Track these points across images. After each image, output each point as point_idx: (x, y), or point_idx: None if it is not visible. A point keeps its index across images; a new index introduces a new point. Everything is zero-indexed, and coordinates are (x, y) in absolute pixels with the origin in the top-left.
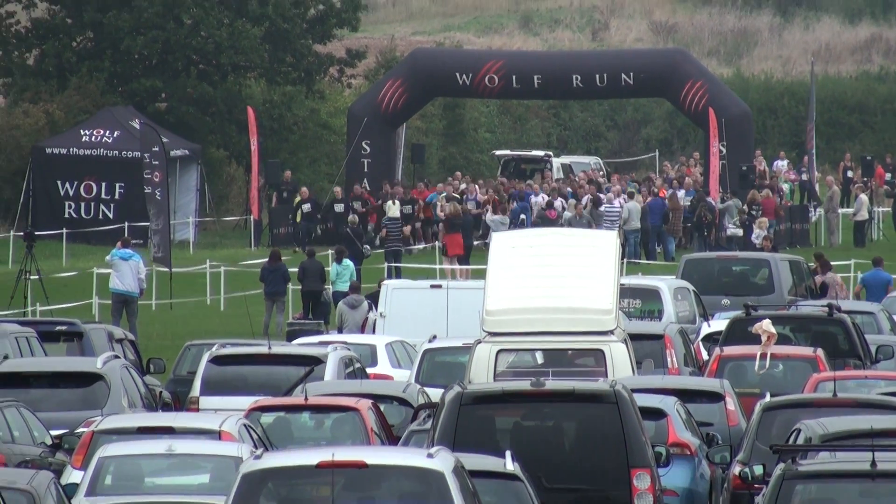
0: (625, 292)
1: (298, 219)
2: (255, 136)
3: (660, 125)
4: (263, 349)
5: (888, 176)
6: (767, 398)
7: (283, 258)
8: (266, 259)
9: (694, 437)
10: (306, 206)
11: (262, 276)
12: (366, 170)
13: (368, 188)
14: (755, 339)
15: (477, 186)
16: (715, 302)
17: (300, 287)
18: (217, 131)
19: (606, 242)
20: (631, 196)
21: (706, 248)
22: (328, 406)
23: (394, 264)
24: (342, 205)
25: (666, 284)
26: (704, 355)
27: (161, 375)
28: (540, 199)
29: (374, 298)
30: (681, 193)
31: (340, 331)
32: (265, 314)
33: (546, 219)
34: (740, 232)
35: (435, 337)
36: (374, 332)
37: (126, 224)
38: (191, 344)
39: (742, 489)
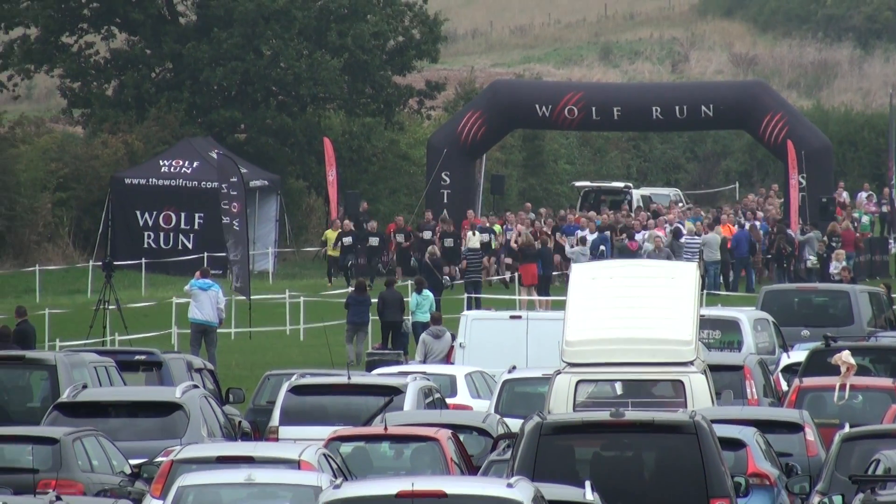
0: (704, 323)
1: (338, 252)
2: (333, 167)
3: (739, 157)
4: (343, 379)
5: None
6: (847, 429)
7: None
8: (352, 288)
9: (773, 467)
10: (347, 239)
11: (347, 303)
12: (445, 201)
13: (447, 218)
14: (834, 371)
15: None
16: (794, 333)
17: (379, 318)
18: (296, 162)
19: (686, 274)
20: (711, 227)
21: (785, 279)
22: (408, 436)
23: (473, 295)
24: (429, 231)
25: (745, 316)
26: (784, 386)
27: (240, 405)
28: (586, 233)
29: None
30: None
31: (424, 362)
32: (348, 343)
33: (627, 250)
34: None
35: (515, 367)
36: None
37: (205, 254)
38: (270, 374)
39: None
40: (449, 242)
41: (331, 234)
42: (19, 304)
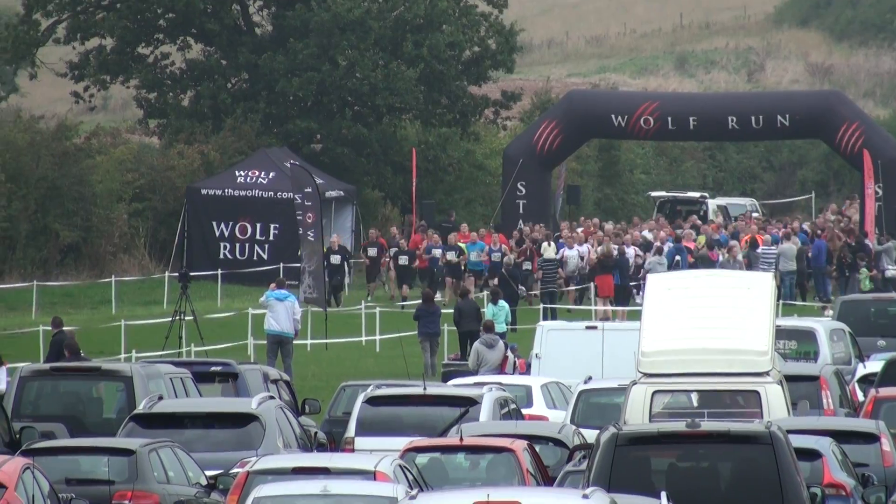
0: (780, 334)
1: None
2: (416, 178)
3: (816, 167)
4: (419, 390)
5: None
6: None
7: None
8: (419, 301)
9: (849, 477)
10: (335, 258)
11: (416, 315)
12: (521, 211)
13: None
14: None
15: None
16: (871, 343)
17: (456, 328)
18: (372, 172)
19: (762, 284)
20: (788, 237)
21: (846, 290)
22: (483, 447)
23: (549, 305)
24: (374, 249)
25: (822, 326)
26: (860, 396)
27: (316, 416)
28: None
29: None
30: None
31: (477, 371)
32: (423, 354)
33: (707, 260)
34: None
35: (590, 378)
36: (513, 371)
37: (281, 265)
38: (346, 385)
39: None
40: (403, 260)
41: None
42: (56, 315)
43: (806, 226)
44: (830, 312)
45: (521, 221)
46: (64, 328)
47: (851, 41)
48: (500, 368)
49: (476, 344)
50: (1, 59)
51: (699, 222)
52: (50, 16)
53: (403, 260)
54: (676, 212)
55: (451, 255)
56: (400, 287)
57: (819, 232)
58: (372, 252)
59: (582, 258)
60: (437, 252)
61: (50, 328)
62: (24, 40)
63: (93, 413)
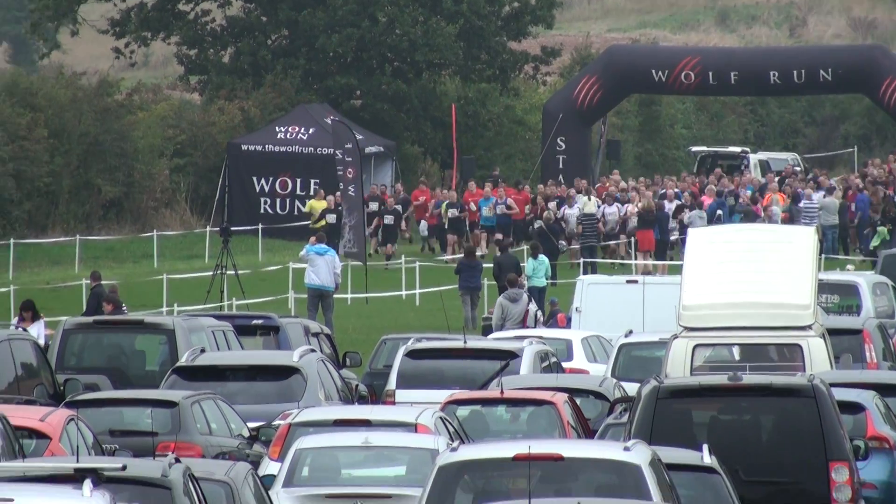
0: (823, 288)
1: (319, 226)
2: (456, 134)
3: (858, 121)
4: (459, 343)
5: None
6: None
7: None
8: (461, 255)
9: (893, 430)
10: (331, 217)
11: (457, 269)
12: (561, 166)
13: (563, 183)
14: None
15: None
16: None
17: (496, 282)
18: (412, 128)
19: (804, 238)
20: (830, 192)
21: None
22: (524, 400)
23: (589, 260)
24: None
25: (864, 280)
26: None
27: (357, 369)
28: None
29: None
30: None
31: (503, 326)
32: (463, 308)
33: (752, 214)
34: None
35: (631, 332)
36: (535, 325)
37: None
38: (386, 338)
39: None
40: (389, 220)
41: (315, 205)
42: (95, 269)
43: (834, 181)
44: (851, 267)
45: (560, 176)
46: (103, 282)
47: None
48: (522, 322)
49: (500, 298)
50: (43, 16)
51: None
52: None
53: (389, 220)
54: (717, 167)
55: (453, 212)
56: (384, 245)
57: (860, 186)
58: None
59: (621, 215)
60: (452, 210)
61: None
62: None
63: (135, 365)
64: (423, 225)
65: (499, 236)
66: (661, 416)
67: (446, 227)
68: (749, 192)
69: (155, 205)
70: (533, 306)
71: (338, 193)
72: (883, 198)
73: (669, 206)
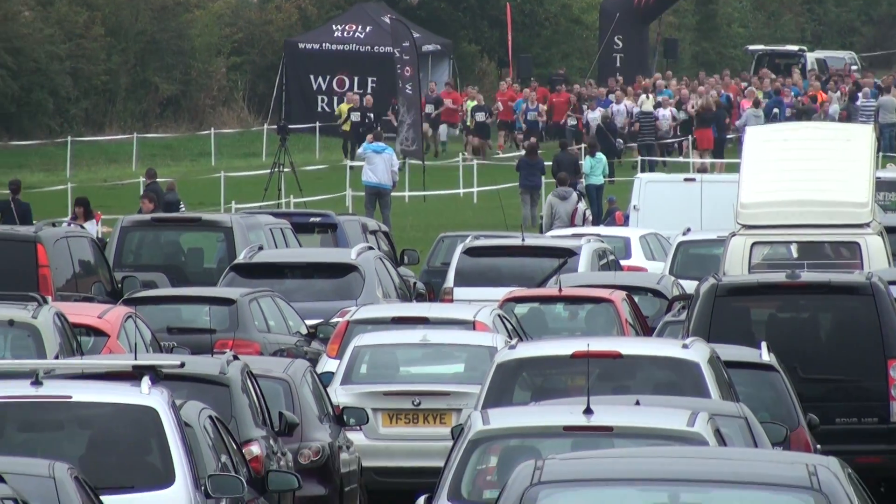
0: (880, 185)
1: (347, 127)
2: (512, 32)
3: None
4: (517, 241)
5: None
6: None
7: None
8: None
9: None
10: (355, 115)
11: (518, 166)
12: (618, 65)
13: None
14: None
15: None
16: None
17: (554, 179)
18: (469, 26)
19: (862, 136)
20: (888, 90)
21: None
22: (582, 297)
23: (647, 158)
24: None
25: None
26: None
27: (415, 267)
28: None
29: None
30: None
31: (551, 225)
32: (522, 206)
33: (811, 111)
34: None
35: (689, 229)
36: (583, 223)
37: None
38: (444, 236)
39: None
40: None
41: (342, 108)
42: (150, 167)
43: (880, 81)
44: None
45: (617, 74)
46: (159, 179)
47: None
48: (571, 220)
49: (549, 196)
50: None
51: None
52: None
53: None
54: (774, 65)
55: (480, 116)
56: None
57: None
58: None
59: (674, 118)
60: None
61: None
62: None
63: (193, 263)
64: (443, 129)
65: (532, 140)
66: (720, 313)
67: (472, 129)
68: (794, 94)
69: (212, 103)
70: (582, 205)
71: (367, 97)
72: None
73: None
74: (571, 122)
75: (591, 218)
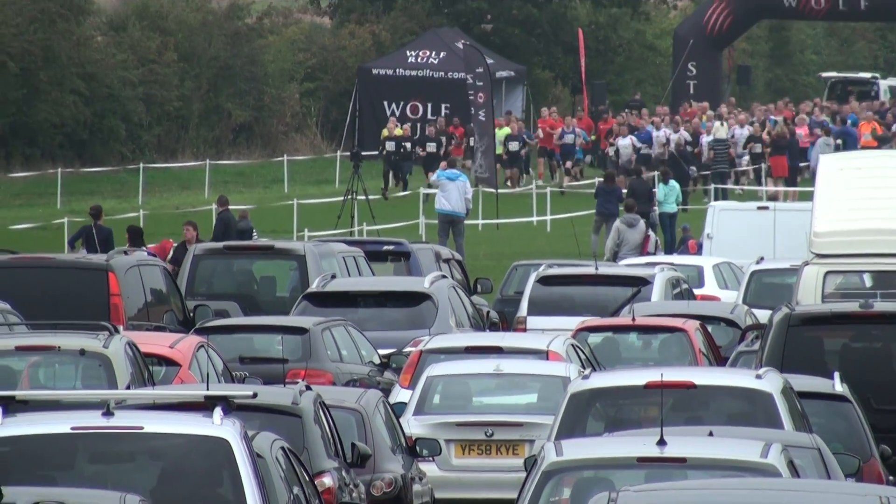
0: None
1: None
2: (584, 58)
3: None
4: (591, 270)
5: None
6: None
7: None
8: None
9: None
10: (390, 144)
11: (595, 193)
12: (691, 91)
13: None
14: None
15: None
16: None
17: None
18: (542, 53)
19: None
20: None
21: None
22: (656, 327)
23: (720, 186)
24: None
25: None
26: None
27: (488, 295)
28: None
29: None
30: None
31: (617, 253)
32: (592, 234)
33: (885, 139)
34: None
35: (762, 258)
36: (654, 251)
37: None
38: (518, 264)
39: None
40: (431, 147)
41: (385, 133)
42: (222, 194)
43: None
44: None
45: (690, 100)
46: (232, 206)
47: None
48: (642, 248)
49: (616, 222)
50: None
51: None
52: None
53: (431, 147)
54: (847, 92)
55: (514, 146)
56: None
57: None
58: (431, 147)
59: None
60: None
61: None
62: None
63: (266, 291)
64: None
65: (568, 164)
66: (793, 343)
67: (505, 158)
68: (851, 121)
69: (285, 129)
70: (652, 232)
71: (406, 126)
72: None
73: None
74: (611, 149)
75: (660, 245)
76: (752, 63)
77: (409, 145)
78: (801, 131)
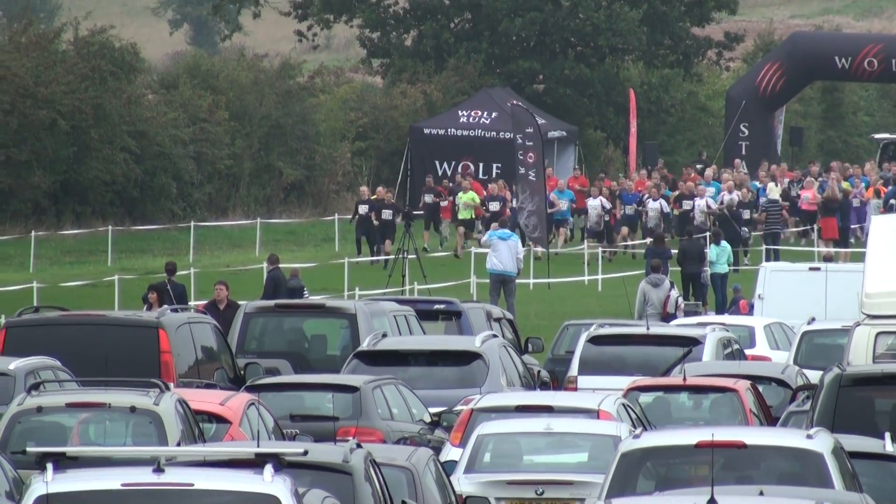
0: None
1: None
2: (635, 119)
3: None
4: (642, 329)
5: None
6: None
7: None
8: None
9: None
10: (363, 208)
11: (645, 254)
12: (744, 152)
13: (745, 170)
14: None
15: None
16: None
17: (680, 268)
18: (594, 113)
19: None
20: None
21: None
22: (707, 387)
23: (772, 247)
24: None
25: None
26: None
27: (539, 355)
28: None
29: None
30: None
31: (643, 312)
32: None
33: None
34: None
35: (814, 319)
36: (675, 311)
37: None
38: (569, 324)
39: None
40: (386, 214)
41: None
42: (272, 253)
43: None
44: None
45: (742, 162)
46: (282, 265)
47: None
48: (663, 307)
49: (642, 283)
50: None
51: None
52: None
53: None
54: None
55: (494, 206)
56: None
57: None
58: (428, 199)
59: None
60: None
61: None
62: None
63: (317, 350)
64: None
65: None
66: (844, 403)
67: (487, 216)
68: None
69: (336, 188)
70: (675, 292)
71: (363, 188)
72: None
73: (858, 192)
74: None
75: (682, 305)
76: (804, 124)
77: (391, 212)
78: (853, 192)
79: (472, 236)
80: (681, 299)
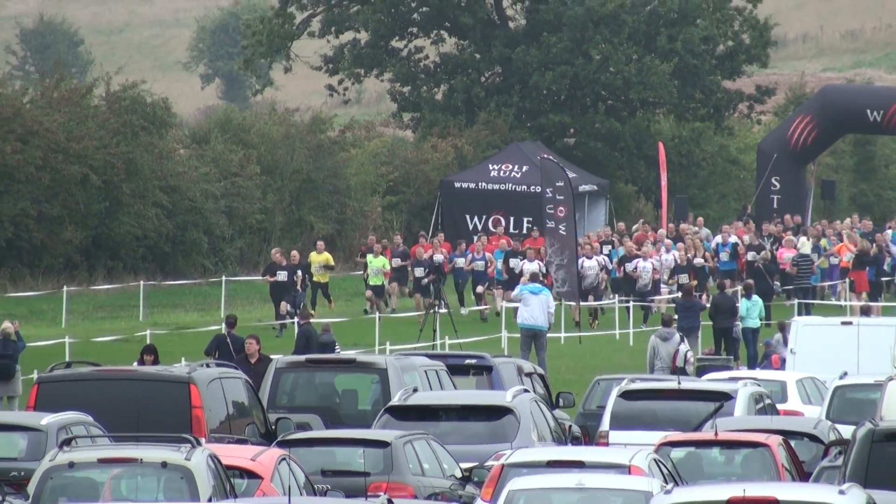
0: None
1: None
2: (665, 172)
3: None
4: (673, 384)
5: None
6: None
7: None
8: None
9: None
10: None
11: (676, 309)
12: (775, 206)
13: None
14: None
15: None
16: None
17: (711, 323)
18: (625, 167)
19: None
20: None
21: None
22: (738, 442)
23: (803, 301)
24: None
25: None
26: None
27: (570, 409)
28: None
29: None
30: None
31: (652, 365)
32: None
33: None
34: None
35: (846, 373)
36: (683, 364)
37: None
38: (600, 378)
39: None
40: (419, 272)
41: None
42: (304, 307)
43: None
44: None
45: (774, 216)
46: (312, 321)
47: None
48: (673, 360)
49: (652, 337)
50: (256, 52)
51: None
52: (304, 9)
53: (419, 272)
54: None
55: (478, 264)
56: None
57: None
58: (396, 263)
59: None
60: (460, 261)
61: (299, 320)
62: (279, 34)
63: (348, 405)
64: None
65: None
66: (877, 459)
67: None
68: None
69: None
70: (684, 347)
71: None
72: None
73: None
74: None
75: (692, 360)
76: (836, 177)
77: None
78: (887, 246)
79: (380, 303)
80: (690, 353)
